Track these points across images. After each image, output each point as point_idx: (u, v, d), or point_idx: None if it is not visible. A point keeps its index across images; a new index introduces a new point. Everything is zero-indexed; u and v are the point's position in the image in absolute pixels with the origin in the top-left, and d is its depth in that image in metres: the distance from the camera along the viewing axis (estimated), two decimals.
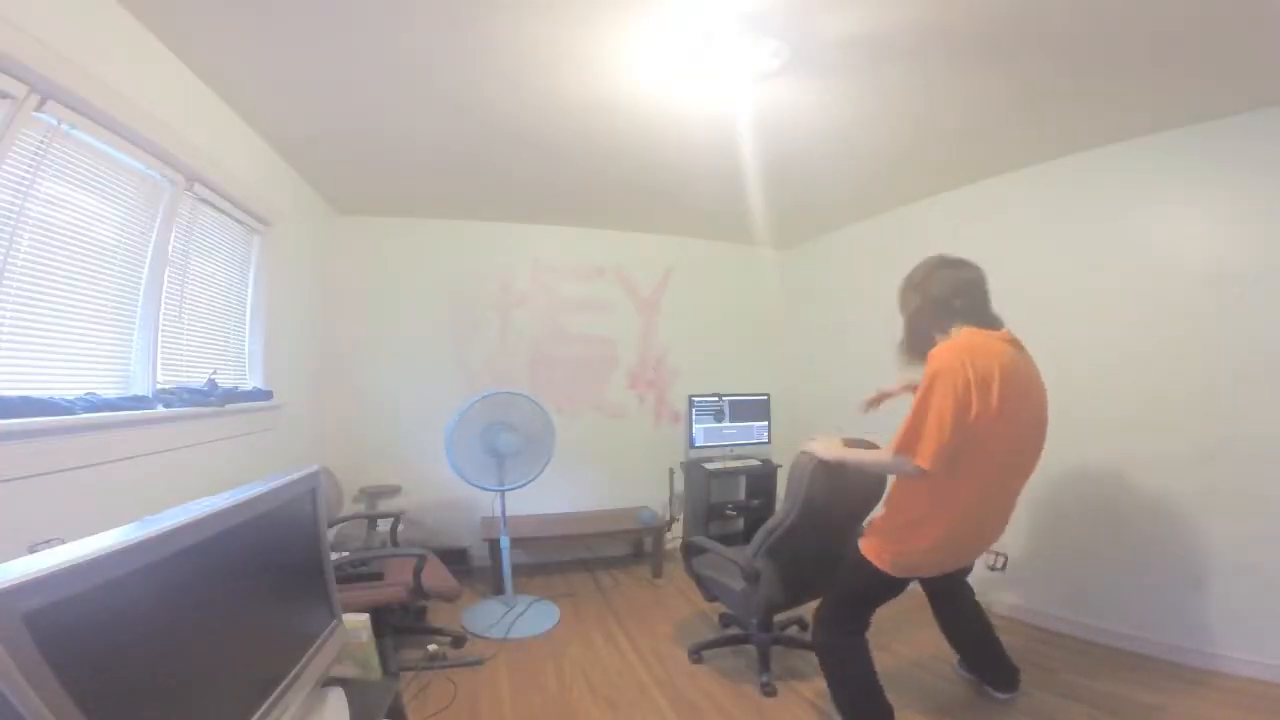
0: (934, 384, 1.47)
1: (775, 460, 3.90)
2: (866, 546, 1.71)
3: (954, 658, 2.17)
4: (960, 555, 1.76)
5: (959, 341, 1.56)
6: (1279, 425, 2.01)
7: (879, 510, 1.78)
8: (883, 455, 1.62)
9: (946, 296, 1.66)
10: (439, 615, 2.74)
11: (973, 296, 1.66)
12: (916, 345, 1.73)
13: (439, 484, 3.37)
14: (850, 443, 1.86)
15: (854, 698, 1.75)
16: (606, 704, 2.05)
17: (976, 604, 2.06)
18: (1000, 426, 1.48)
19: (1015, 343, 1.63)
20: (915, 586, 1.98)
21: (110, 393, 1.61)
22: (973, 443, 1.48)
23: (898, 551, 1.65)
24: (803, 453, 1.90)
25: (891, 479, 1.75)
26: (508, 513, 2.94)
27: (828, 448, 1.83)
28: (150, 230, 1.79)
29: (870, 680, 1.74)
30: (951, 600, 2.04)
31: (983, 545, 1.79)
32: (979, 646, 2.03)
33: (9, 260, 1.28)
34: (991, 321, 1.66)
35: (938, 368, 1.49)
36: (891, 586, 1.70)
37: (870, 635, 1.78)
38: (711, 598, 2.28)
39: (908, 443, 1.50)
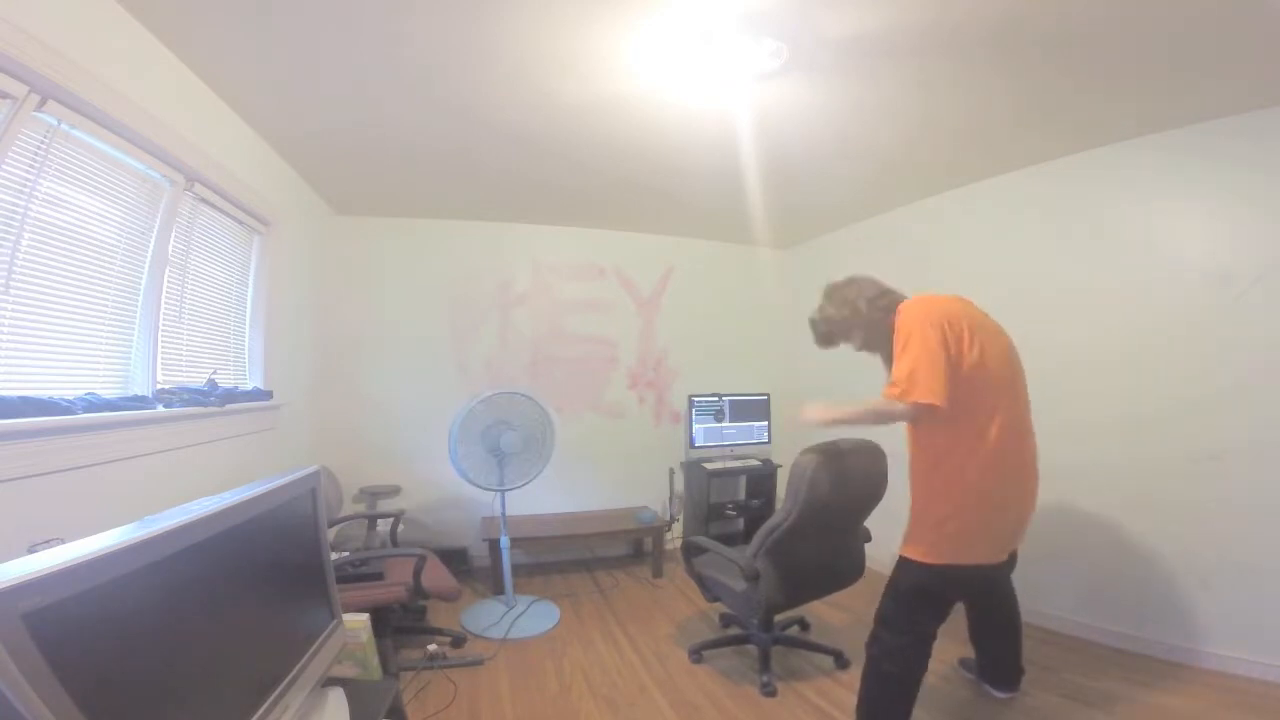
0: (913, 330, 1.50)
1: (775, 460, 3.90)
2: (903, 548, 1.65)
3: (954, 657, 2.17)
4: (995, 532, 1.62)
5: (918, 302, 1.63)
6: (1279, 425, 2.01)
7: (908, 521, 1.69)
8: (881, 401, 1.54)
9: (873, 290, 1.79)
10: (439, 615, 2.74)
11: (881, 283, 1.81)
12: (883, 340, 1.77)
13: (439, 484, 3.38)
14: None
15: (886, 710, 1.65)
16: (606, 704, 2.05)
17: (1016, 605, 1.97)
18: (984, 370, 1.51)
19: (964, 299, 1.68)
20: None
21: (110, 393, 1.61)
22: (967, 385, 1.49)
23: (934, 537, 1.58)
24: (802, 452, 1.88)
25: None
26: (508, 513, 2.94)
27: (820, 411, 1.68)
28: (150, 230, 1.79)
29: (911, 699, 1.63)
30: (992, 599, 1.94)
31: (1013, 518, 1.65)
32: (1002, 645, 1.98)
33: (10, 260, 1.28)
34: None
35: (910, 318, 1.54)
36: (939, 579, 1.59)
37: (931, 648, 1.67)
38: (713, 598, 2.28)
39: (906, 384, 1.47)
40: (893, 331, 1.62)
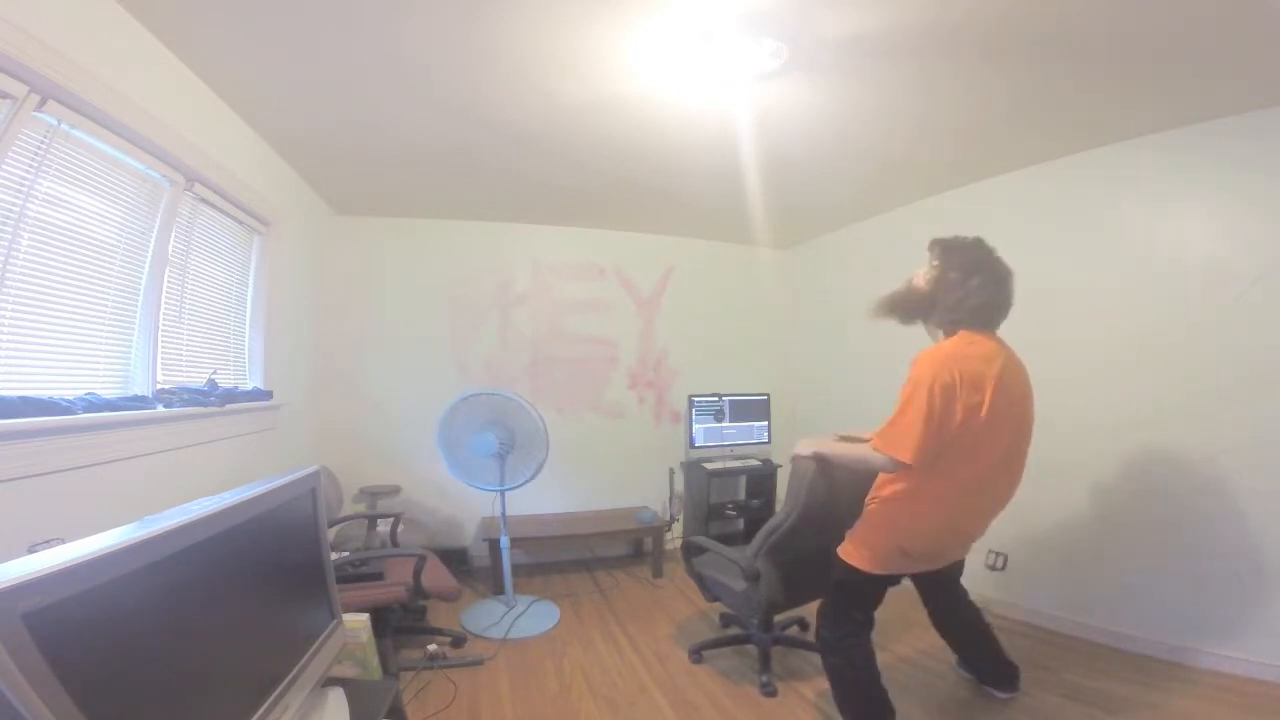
0: (919, 384, 1.49)
1: (775, 460, 3.90)
2: (844, 551, 1.73)
3: (953, 658, 2.17)
4: (941, 553, 1.75)
5: (950, 349, 1.57)
6: (1278, 426, 2.01)
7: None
8: (865, 449, 1.62)
9: (997, 303, 1.61)
10: (439, 615, 2.74)
11: (1003, 312, 1.64)
12: (912, 315, 1.75)
13: (439, 484, 3.37)
14: (845, 438, 1.88)
15: (854, 697, 1.75)
16: (606, 704, 2.05)
17: (971, 604, 2.05)
18: (987, 433, 1.50)
19: (1003, 343, 1.64)
20: (911, 588, 1.98)
21: (110, 393, 1.61)
22: (958, 445, 1.49)
23: (875, 548, 1.66)
24: (794, 458, 1.90)
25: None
26: (508, 513, 2.94)
27: (810, 444, 1.85)
28: (150, 230, 1.79)
29: (871, 680, 1.73)
30: (945, 601, 2.03)
31: (964, 543, 1.78)
32: (977, 646, 2.03)
33: (10, 260, 1.28)
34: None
35: (924, 371, 1.50)
36: (876, 584, 1.70)
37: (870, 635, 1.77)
38: (713, 598, 2.28)
39: (890, 438, 1.51)
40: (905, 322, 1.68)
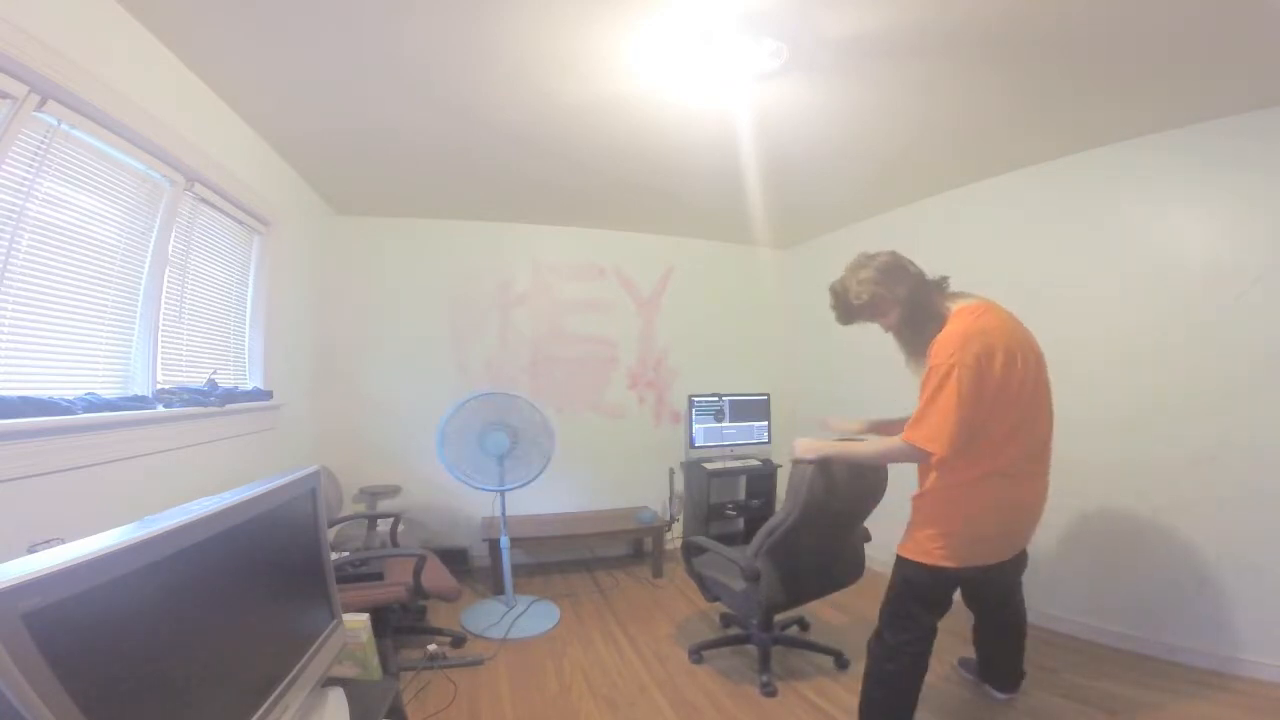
0: (942, 371, 1.48)
1: (775, 460, 3.91)
2: (907, 549, 1.65)
3: (954, 657, 2.17)
4: (998, 542, 1.67)
5: (964, 328, 1.55)
6: (1278, 425, 2.01)
7: (910, 515, 1.70)
8: (889, 444, 1.61)
9: (918, 276, 1.69)
10: (439, 615, 2.75)
11: (922, 273, 1.71)
12: (918, 337, 1.72)
13: (439, 484, 3.37)
14: (842, 439, 1.88)
15: (888, 708, 1.66)
16: (606, 704, 2.05)
17: (1022, 608, 1.96)
18: (1012, 400, 1.51)
19: (995, 303, 1.66)
20: None
21: (110, 393, 1.61)
22: (989, 418, 1.50)
23: (943, 534, 1.59)
24: (795, 461, 1.88)
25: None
26: (508, 513, 2.94)
27: (809, 445, 1.84)
28: (150, 230, 1.79)
29: (913, 692, 1.64)
30: (1000, 613, 1.93)
31: (1018, 527, 1.71)
32: (1002, 646, 1.97)
33: (9, 260, 1.28)
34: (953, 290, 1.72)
35: (944, 358, 1.50)
36: (948, 580, 1.62)
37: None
38: (713, 598, 2.28)
39: (921, 429, 1.50)
40: (926, 327, 1.65)
